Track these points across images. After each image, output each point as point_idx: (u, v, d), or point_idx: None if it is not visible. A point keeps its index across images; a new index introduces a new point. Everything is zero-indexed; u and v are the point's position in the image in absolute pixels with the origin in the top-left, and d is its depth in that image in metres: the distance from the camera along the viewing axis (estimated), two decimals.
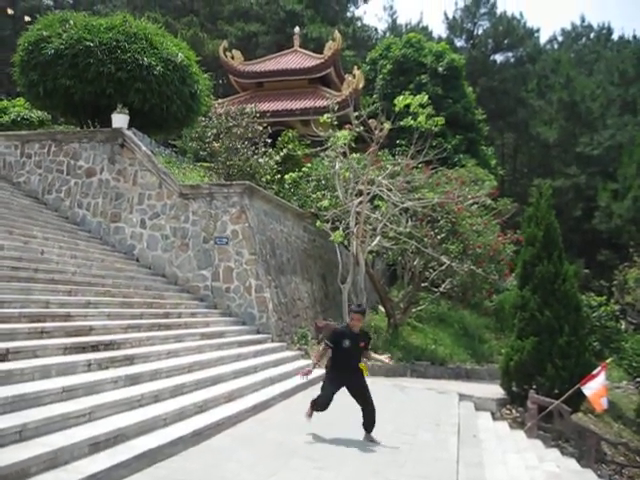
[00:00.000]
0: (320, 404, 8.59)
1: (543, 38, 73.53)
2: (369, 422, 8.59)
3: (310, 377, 9.22)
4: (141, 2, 50.13)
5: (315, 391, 9.09)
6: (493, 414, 13.56)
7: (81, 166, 17.27)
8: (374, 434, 8.58)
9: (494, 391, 15.04)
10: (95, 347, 8.84)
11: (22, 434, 5.77)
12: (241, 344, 13.52)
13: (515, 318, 14.82)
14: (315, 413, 8.68)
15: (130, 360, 9.05)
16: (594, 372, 12.42)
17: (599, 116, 49.87)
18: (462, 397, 13.74)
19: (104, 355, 8.63)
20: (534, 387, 13.36)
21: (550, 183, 34.45)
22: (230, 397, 9.71)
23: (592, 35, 64.46)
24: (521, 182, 54.65)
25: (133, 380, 8.34)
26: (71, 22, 17.94)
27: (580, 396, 12.64)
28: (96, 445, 6.26)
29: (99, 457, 6.10)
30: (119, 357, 8.84)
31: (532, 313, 14.13)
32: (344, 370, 8.55)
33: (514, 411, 13.94)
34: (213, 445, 7.65)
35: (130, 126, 17.45)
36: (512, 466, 9.19)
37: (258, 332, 15.20)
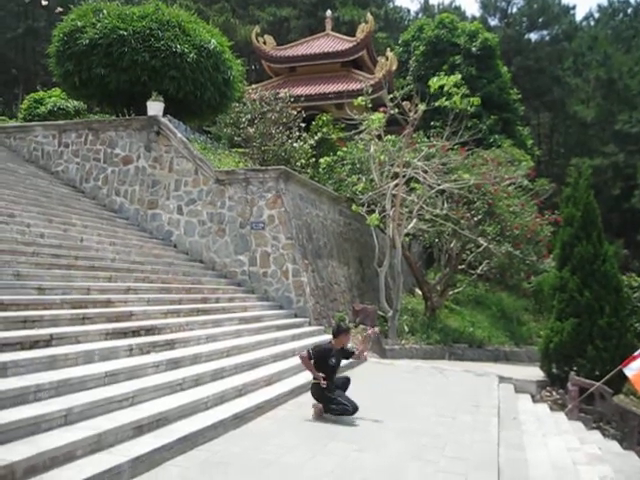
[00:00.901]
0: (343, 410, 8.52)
1: (579, 15, 72.30)
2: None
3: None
4: None
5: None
6: (533, 396, 13.44)
7: (118, 154, 17.44)
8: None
9: (534, 373, 14.93)
10: (136, 332, 8.96)
11: (68, 418, 5.87)
12: (279, 328, 13.58)
13: (554, 299, 14.66)
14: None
15: (170, 345, 9.15)
16: (636, 353, 12.25)
17: (638, 93, 48.85)
18: (501, 379, 13.63)
19: (145, 340, 8.74)
20: (574, 369, 13.23)
21: (588, 162, 34.08)
22: (269, 381, 9.77)
23: (629, 11, 63.00)
24: (558, 162, 53.93)
25: (174, 364, 8.43)
26: (104, 12, 18.08)
27: (622, 377, 12.48)
28: (139, 428, 6.34)
29: (142, 440, 6.18)
30: (160, 342, 8.94)
31: (571, 294, 13.98)
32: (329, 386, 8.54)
33: (554, 393, 13.81)
34: (253, 428, 7.71)
35: (165, 113, 17.56)
36: (553, 448, 9.10)
37: (295, 316, 15.25)
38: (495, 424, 8.96)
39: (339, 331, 8.88)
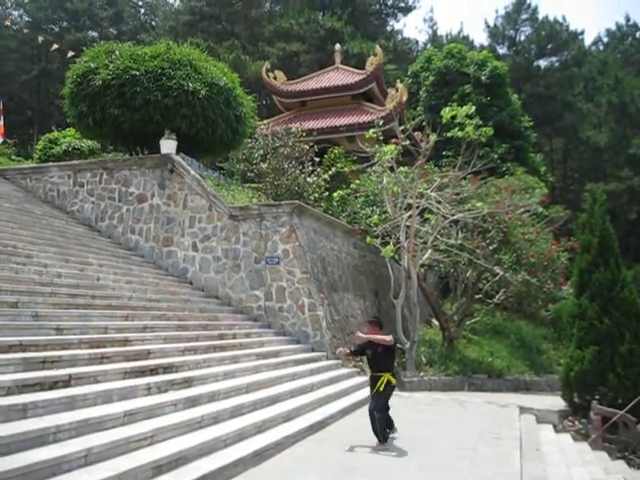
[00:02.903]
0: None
1: (588, 40, 72.21)
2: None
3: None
4: (183, 29, 51.04)
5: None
6: (555, 426, 13.27)
7: (132, 192, 17.60)
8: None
9: (555, 403, 14.74)
10: (154, 371, 8.95)
11: (87, 458, 5.87)
12: (296, 363, 13.52)
13: (573, 327, 14.50)
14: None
15: (188, 382, 9.13)
16: None
17: None
18: (522, 410, 13.49)
19: (163, 378, 8.73)
20: (597, 397, 13.04)
21: (603, 187, 33.95)
22: (288, 416, 9.71)
23: (638, 34, 63.03)
24: (572, 188, 53.74)
25: (192, 402, 8.41)
26: (117, 52, 18.38)
27: None
28: (159, 468, 6.32)
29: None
30: (177, 380, 8.93)
31: (591, 322, 13.82)
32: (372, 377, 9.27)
33: (577, 423, 13.60)
34: (273, 465, 7.65)
35: (178, 151, 17.72)
36: (577, 479, 8.96)
37: (313, 350, 15.19)
38: (517, 456, 8.85)
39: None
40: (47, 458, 5.48)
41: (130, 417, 7.11)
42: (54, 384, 7.09)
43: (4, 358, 7.08)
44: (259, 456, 7.68)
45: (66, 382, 7.27)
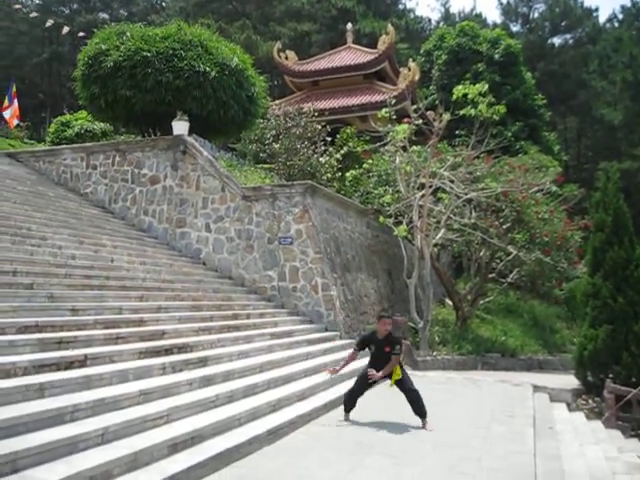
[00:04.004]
0: (345, 402, 9.13)
1: (602, 17, 71.55)
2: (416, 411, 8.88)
3: (335, 375, 9.72)
4: (193, 9, 50.83)
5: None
6: (569, 405, 13.26)
7: (145, 174, 17.63)
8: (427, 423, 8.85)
9: (568, 381, 14.72)
10: (169, 350, 9.01)
11: (104, 437, 5.93)
12: (310, 342, 13.58)
13: (587, 306, 14.45)
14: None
15: (203, 362, 9.19)
16: None
17: None
18: (536, 388, 13.49)
19: (178, 358, 8.79)
20: (610, 376, 13.02)
21: (617, 166, 33.64)
22: (302, 396, 9.76)
23: None
24: (586, 167, 53.34)
25: (207, 381, 8.46)
26: (128, 34, 18.33)
27: None
28: (174, 446, 6.37)
29: (178, 458, 6.21)
30: (192, 359, 8.99)
31: (605, 300, 13.76)
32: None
33: (590, 401, 13.59)
34: (288, 443, 7.69)
35: (190, 132, 17.71)
36: (591, 457, 8.95)
37: (326, 330, 15.24)
38: (531, 434, 8.86)
39: (377, 318, 9.24)
40: (64, 437, 5.53)
41: (146, 396, 7.17)
42: (70, 364, 7.15)
43: (21, 339, 7.15)
44: (274, 434, 7.73)
45: (82, 362, 7.34)
